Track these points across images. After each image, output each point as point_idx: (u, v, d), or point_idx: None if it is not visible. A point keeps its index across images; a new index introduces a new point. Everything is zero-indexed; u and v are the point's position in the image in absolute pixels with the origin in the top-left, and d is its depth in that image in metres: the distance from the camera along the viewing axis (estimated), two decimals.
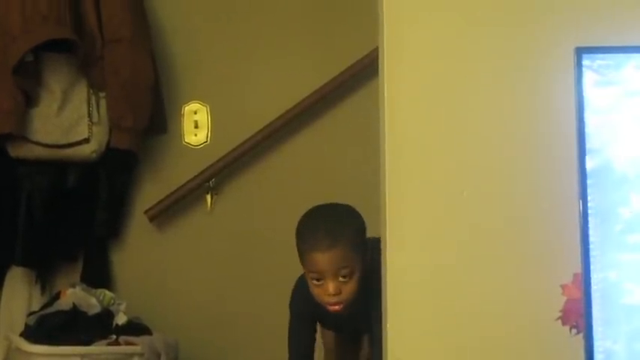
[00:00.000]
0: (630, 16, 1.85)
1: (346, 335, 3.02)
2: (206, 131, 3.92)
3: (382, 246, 1.89)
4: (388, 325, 1.85)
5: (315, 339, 2.87)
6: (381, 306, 1.85)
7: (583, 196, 1.56)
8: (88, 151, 3.60)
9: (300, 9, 3.99)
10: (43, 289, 3.65)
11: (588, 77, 1.57)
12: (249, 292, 3.84)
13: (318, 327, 2.91)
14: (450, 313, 1.84)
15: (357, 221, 2.67)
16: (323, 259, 2.56)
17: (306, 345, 2.85)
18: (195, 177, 3.83)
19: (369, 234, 2.67)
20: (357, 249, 2.59)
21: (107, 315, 3.36)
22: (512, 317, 1.82)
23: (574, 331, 1.76)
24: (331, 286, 2.57)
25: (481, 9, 1.91)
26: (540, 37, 1.87)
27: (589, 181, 1.55)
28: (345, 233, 2.59)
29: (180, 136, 3.92)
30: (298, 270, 3.78)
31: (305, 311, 2.81)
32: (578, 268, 1.60)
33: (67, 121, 3.56)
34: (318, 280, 2.61)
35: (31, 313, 3.41)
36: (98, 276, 3.69)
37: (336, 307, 2.62)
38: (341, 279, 2.57)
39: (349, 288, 2.59)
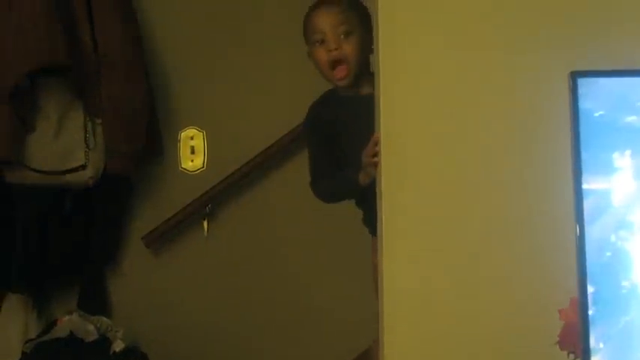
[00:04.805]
0: (626, 41, 1.85)
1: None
2: (202, 157, 3.91)
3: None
4: (384, 339, 1.85)
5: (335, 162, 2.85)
6: None
7: (579, 220, 1.56)
8: (84, 177, 3.58)
9: (296, 36, 3.98)
10: (40, 316, 3.63)
11: None
12: (247, 318, 3.82)
13: None
14: (445, 340, 1.83)
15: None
16: (323, 17, 2.76)
17: (329, 162, 2.87)
18: (192, 203, 3.83)
19: None
20: (355, 10, 2.75)
21: (104, 342, 3.34)
22: (509, 342, 1.81)
23: (572, 356, 1.76)
24: (332, 41, 2.72)
25: (476, 33, 1.91)
26: (535, 62, 1.88)
27: None
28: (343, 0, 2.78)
29: (177, 161, 3.91)
30: (295, 295, 3.78)
31: (318, 123, 2.89)
32: (574, 293, 1.59)
33: (63, 147, 3.55)
34: (321, 42, 2.76)
35: (27, 341, 3.40)
36: (95, 302, 3.67)
37: (342, 71, 2.72)
38: (342, 37, 2.72)
39: (349, 47, 2.72)
